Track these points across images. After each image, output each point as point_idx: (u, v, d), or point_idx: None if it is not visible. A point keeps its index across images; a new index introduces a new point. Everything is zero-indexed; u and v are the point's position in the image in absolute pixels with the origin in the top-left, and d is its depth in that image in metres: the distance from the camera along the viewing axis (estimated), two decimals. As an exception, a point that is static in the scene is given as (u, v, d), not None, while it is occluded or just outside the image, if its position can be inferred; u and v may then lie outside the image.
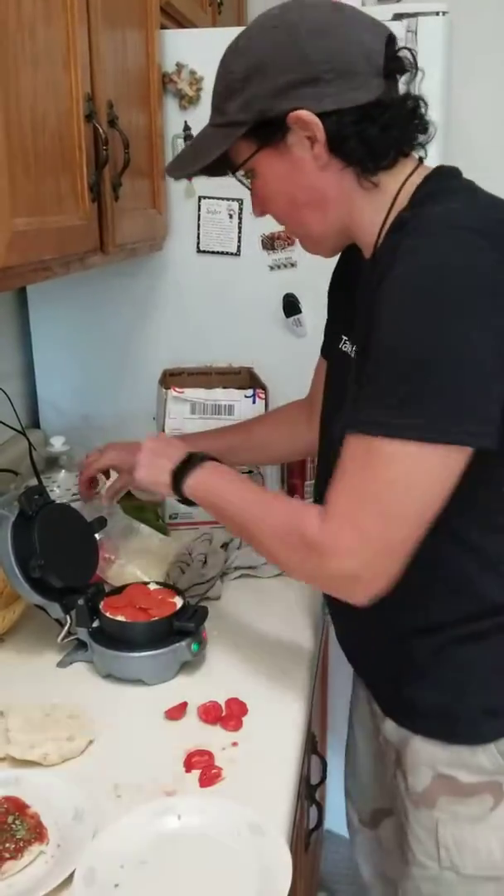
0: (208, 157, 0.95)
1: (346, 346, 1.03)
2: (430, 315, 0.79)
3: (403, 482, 0.82)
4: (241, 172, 0.98)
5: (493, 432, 0.81)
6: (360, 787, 1.29)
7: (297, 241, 1.59)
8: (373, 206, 0.93)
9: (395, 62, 0.90)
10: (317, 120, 0.88)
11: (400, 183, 0.92)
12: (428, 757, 1.00)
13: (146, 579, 1.27)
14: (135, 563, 1.33)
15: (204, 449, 1.14)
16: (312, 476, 1.68)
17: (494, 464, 0.85)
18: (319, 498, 1.02)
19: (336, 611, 1.12)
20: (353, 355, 1.00)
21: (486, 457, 0.83)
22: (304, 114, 0.88)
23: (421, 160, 0.95)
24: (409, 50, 0.91)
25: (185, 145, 1.10)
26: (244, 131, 0.92)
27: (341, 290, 1.10)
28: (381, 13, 1.40)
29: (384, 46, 0.89)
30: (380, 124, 0.89)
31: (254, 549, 1.01)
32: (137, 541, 1.37)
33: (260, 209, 1.02)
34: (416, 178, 0.92)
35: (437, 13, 1.50)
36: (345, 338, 1.04)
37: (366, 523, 0.85)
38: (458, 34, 1.56)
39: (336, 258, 1.09)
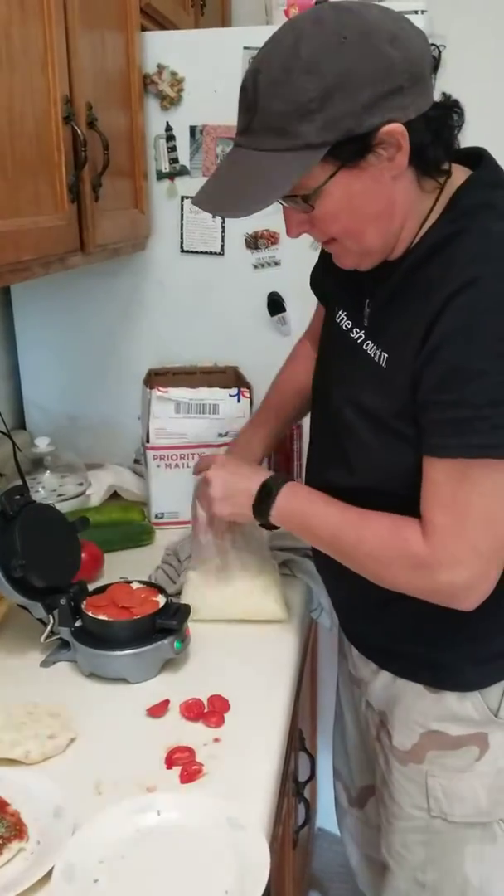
0: (282, 188, 0.86)
1: (345, 324, 1.04)
2: None
3: (501, 493, 0.89)
4: (289, 202, 0.90)
5: None
6: (349, 762, 1.33)
7: (280, 239, 1.63)
8: (422, 208, 0.94)
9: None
10: (405, 131, 0.84)
11: (443, 181, 0.93)
12: (418, 713, 1.07)
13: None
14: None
15: (277, 428, 1.25)
16: (299, 474, 1.69)
17: None
18: (317, 468, 1.09)
19: (329, 575, 1.16)
20: (366, 347, 1.00)
21: None
22: (397, 127, 0.83)
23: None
24: (437, 47, 0.91)
25: (224, 176, 0.91)
26: (325, 153, 0.84)
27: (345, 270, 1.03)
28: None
29: (429, 49, 0.88)
30: (447, 125, 0.90)
31: (353, 567, 1.02)
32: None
33: (304, 228, 0.93)
34: (457, 179, 0.93)
35: (416, 11, 1.51)
36: (342, 312, 1.05)
37: (473, 535, 0.90)
38: (436, 32, 1.57)
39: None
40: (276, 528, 1.12)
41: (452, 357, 0.87)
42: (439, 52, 0.91)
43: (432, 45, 0.90)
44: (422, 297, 0.91)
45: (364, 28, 0.82)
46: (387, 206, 0.90)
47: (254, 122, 0.86)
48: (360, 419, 0.99)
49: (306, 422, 1.22)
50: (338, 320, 1.06)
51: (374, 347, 0.99)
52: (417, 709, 1.07)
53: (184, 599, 1.23)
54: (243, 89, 0.87)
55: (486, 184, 0.94)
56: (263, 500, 1.07)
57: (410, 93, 0.84)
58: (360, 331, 1.02)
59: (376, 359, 0.98)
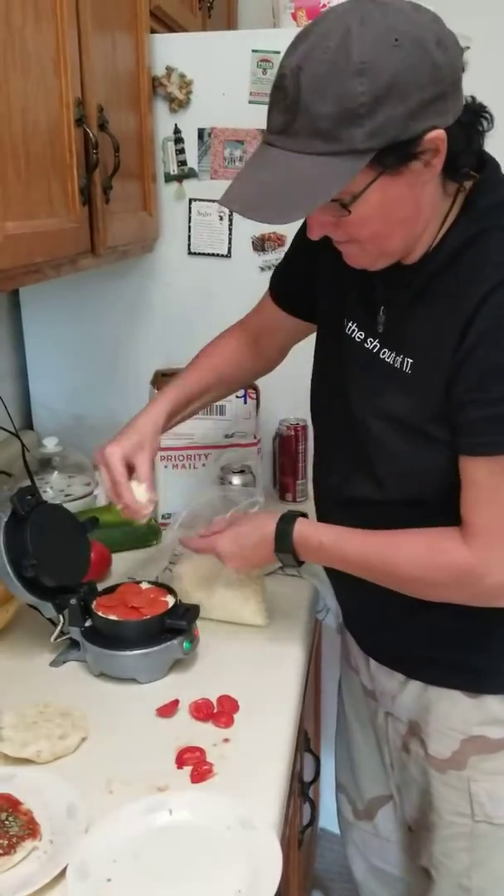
0: (327, 194, 0.82)
1: (357, 335, 1.03)
2: None
3: None
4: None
5: None
6: (355, 776, 1.31)
7: (287, 242, 1.64)
8: (442, 210, 0.93)
9: None
10: (445, 136, 0.83)
11: (464, 185, 0.92)
12: (457, 720, 1.05)
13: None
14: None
15: (183, 400, 1.20)
16: (304, 475, 1.70)
17: None
18: (338, 485, 1.06)
19: (346, 593, 1.16)
20: (386, 357, 0.99)
21: None
22: (440, 133, 0.82)
23: None
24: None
25: (260, 178, 0.85)
26: (371, 159, 0.81)
27: (351, 274, 1.00)
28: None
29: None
30: (477, 130, 0.89)
31: (394, 588, 1.00)
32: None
33: (327, 230, 0.91)
34: (467, 181, 0.93)
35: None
36: (352, 324, 1.04)
37: None
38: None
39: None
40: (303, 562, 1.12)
41: (491, 355, 0.87)
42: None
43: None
44: (451, 298, 0.91)
45: (415, 31, 0.79)
46: (415, 211, 0.90)
47: (296, 123, 0.81)
48: (389, 429, 0.98)
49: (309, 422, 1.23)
50: (348, 332, 1.04)
51: (394, 354, 0.98)
52: (455, 716, 1.05)
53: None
54: (280, 87, 0.81)
55: (497, 183, 0.95)
56: (283, 547, 1.07)
57: (452, 97, 0.83)
58: (375, 340, 1.01)
59: (397, 366, 0.97)
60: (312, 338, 1.25)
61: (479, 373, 0.88)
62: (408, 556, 0.97)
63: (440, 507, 0.94)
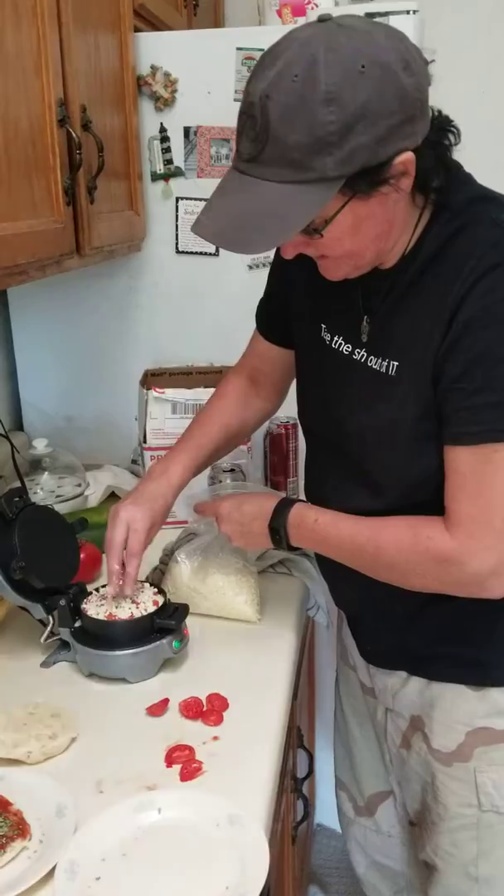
0: (300, 224, 0.83)
1: (343, 347, 1.03)
2: None
3: None
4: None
5: None
6: (355, 772, 1.32)
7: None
8: (413, 217, 0.94)
9: None
10: (414, 158, 0.84)
11: (432, 198, 0.93)
12: (462, 713, 1.06)
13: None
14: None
15: (199, 463, 1.20)
16: (295, 473, 1.70)
17: None
18: (339, 498, 1.06)
19: (350, 598, 1.16)
20: (373, 364, 0.99)
21: None
22: (409, 156, 0.83)
23: None
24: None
25: (232, 206, 0.86)
26: (341, 186, 0.82)
27: (324, 286, 1.01)
28: (354, 12, 1.42)
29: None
30: (444, 146, 0.90)
31: (378, 577, 1.02)
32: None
33: (300, 250, 0.91)
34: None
35: (408, 12, 1.52)
36: (337, 338, 1.03)
37: (500, 520, 0.90)
38: (428, 32, 1.57)
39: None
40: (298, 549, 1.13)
41: (475, 344, 0.88)
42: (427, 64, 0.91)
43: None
44: (434, 296, 0.91)
45: (380, 57, 0.79)
46: (386, 226, 0.91)
47: (265, 152, 0.81)
48: (383, 437, 0.98)
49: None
50: (335, 346, 1.04)
51: (379, 360, 0.98)
52: (460, 709, 1.06)
53: (164, 583, 1.26)
54: (249, 115, 0.82)
55: (463, 180, 0.95)
56: (278, 529, 1.09)
57: (420, 119, 0.84)
58: (361, 350, 1.01)
59: (382, 370, 0.98)
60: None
61: (463, 362, 0.89)
62: (393, 541, 0.98)
63: (440, 504, 0.95)
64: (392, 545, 0.98)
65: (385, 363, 0.98)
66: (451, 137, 0.92)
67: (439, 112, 0.90)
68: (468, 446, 0.90)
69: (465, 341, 0.88)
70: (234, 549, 1.25)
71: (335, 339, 1.04)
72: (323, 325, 1.06)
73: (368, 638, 1.18)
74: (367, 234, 0.89)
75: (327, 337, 1.05)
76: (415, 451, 0.96)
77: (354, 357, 1.02)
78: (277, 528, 1.09)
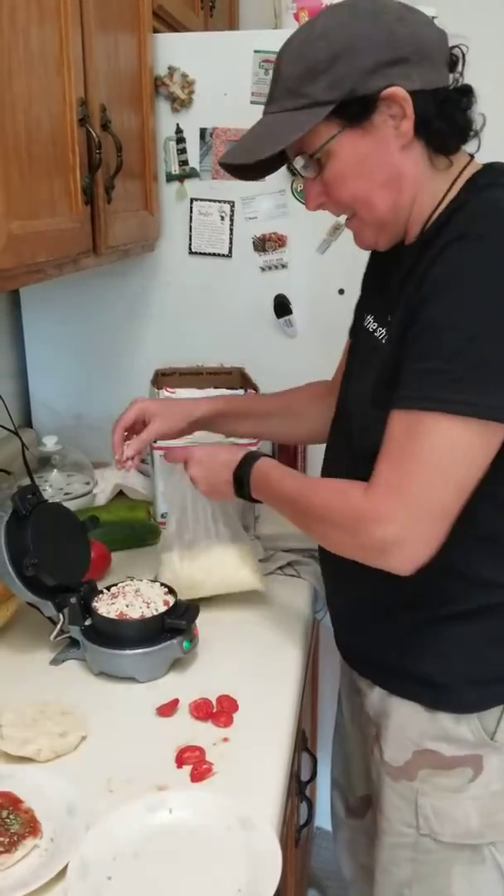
0: (287, 139, 0.92)
1: (371, 326, 1.06)
2: (491, 296, 0.84)
3: (448, 452, 0.87)
4: (301, 162, 0.96)
5: None
6: (348, 772, 1.31)
7: (287, 242, 1.64)
8: (434, 189, 0.95)
9: (452, 56, 0.94)
10: (408, 97, 0.89)
11: (460, 168, 0.95)
12: (412, 731, 1.04)
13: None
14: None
15: (241, 410, 1.26)
16: (302, 461, 1.70)
17: None
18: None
19: (334, 593, 1.16)
20: (379, 336, 1.02)
21: None
22: (399, 90, 0.89)
23: (471, 155, 0.98)
24: (460, 48, 0.94)
25: (243, 137, 0.99)
26: (330, 111, 0.90)
27: (374, 273, 1.12)
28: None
29: (444, 40, 0.93)
30: (458, 107, 0.93)
31: (311, 535, 1.04)
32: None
33: (321, 199, 0.99)
34: (472, 169, 0.96)
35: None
36: (370, 317, 1.07)
37: (410, 488, 0.89)
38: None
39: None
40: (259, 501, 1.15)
41: (430, 310, 0.87)
42: (462, 53, 0.94)
43: (455, 46, 0.94)
44: (421, 262, 0.92)
45: (375, 7, 0.91)
46: (395, 176, 0.94)
47: (275, 90, 0.94)
48: (367, 411, 0.97)
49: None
50: (366, 325, 1.07)
51: (378, 327, 1.02)
52: (412, 726, 1.04)
53: (160, 579, 1.25)
54: (273, 65, 0.95)
55: (499, 170, 0.96)
56: (241, 477, 1.13)
57: (416, 66, 0.89)
58: (383, 328, 1.02)
59: (379, 338, 1.01)
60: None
61: (418, 329, 0.88)
62: (322, 498, 1.00)
63: None
64: (320, 503, 0.99)
65: (382, 331, 1.01)
66: (464, 100, 0.94)
67: (457, 80, 0.94)
68: (400, 410, 0.89)
69: (426, 309, 0.88)
70: (225, 520, 1.27)
71: (368, 318, 1.07)
72: (365, 307, 1.10)
73: (343, 639, 1.18)
74: (371, 176, 0.94)
75: (366, 317, 1.08)
76: (379, 419, 0.94)
77: (377, 335, 1.04)
78: (241, 478, 1.12)
